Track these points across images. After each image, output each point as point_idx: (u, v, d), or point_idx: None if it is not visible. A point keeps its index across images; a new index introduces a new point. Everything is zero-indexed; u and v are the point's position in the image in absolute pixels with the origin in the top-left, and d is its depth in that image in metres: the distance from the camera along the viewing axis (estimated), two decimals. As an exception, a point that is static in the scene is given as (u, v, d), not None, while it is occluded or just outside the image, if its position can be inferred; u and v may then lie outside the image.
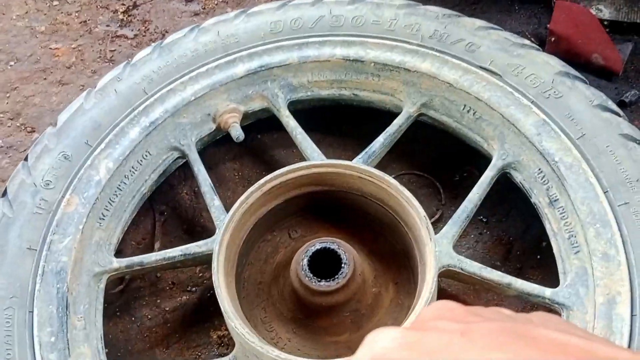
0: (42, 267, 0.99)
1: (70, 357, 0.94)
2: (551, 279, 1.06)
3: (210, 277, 1.15)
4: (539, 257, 1.16)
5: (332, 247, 1.05)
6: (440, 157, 1.29)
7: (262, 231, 1.13)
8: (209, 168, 1.18)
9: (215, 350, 1.10)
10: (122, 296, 1.16)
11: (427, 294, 0.95)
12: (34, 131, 1.37)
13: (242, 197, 1.06)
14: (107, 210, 1.09)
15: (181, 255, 1.07)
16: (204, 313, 1.13)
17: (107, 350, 0.99)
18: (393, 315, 1.08)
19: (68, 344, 0.94)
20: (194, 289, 1.17)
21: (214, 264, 0.99)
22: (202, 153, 1.19)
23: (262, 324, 1.08)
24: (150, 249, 1.20)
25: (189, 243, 1.07)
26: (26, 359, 0.92)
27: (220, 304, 0.97)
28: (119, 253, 1.12)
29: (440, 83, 1.17)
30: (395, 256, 1.13)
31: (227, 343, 1.10)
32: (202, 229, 1.23)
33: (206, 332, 1.12)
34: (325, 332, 1.06)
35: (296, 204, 1.14)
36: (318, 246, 1.05)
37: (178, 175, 1.27)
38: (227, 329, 1.10)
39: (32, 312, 0.95)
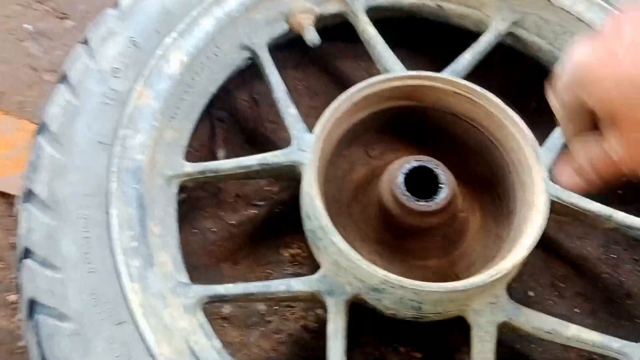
0: (117, 164, 0.87)
1: (154, 265, 0.83)
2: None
3: (278, 191, 1.07)
4: None
5: (430, 165, 0.97)
6: (516, 82, 1.22)
7: (341, 146, 1.04)
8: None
9: (288, 268, 1.02)
10: (182, 206, 1.05)
11: (540, 221, 0.89)
12: (67, 18, 1.21)
13: (333, 105, 0.95)
14: (178, 108, 0.97)
15: (258, 164, 0.97)
16: (273, 229, 1.04)
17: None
18: (482, 242, 1.02)
19: (150, 250, 0.84)
20: (260, 202, 1.07)
21: (310, 175, 0.89)
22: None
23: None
24: (209, 157, 1.09)
25: (251, 154, 0.96)
26: (106, 264, 0.81)
27: (314, 218, 0.88)
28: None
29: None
30: (481, 181, 1.06)
31: (301, 262, 1.02)
32: (264, 140, 1.13)
33: (276, 249, 1.03)
34: (412, 255, 0.99)
35: (377, 120, 1.04)
36: (414, 163, 0.96)
37: (236, 79, 1.15)
38: (299, 247, 1.02)
39: (110, 213, 0.84)
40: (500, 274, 0.85)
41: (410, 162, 0.97)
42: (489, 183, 1.05)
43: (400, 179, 0.95)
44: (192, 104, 0.99)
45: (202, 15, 1.02)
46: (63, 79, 0.93)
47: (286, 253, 1.03)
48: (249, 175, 0.98)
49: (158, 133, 0.92)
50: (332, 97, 0.94)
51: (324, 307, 0.88)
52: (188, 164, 0.95)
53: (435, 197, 0.95)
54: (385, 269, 0.99)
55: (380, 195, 0.97)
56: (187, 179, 0.94)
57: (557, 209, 0.99)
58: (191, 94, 0.99)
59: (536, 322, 0.89)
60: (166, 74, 0.96)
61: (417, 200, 0.94)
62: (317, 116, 0.92)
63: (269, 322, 0.98)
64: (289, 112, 1.01)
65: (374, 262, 0.98)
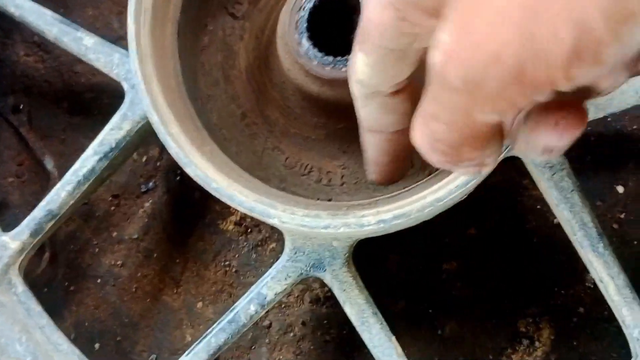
0: None
1: None
2: None
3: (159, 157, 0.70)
4: None
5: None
6: None
7: (192, 22, 0.64)
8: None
9: (244, 243, 0.68)
10: (54, 267, 0.69)
11: None
12: None
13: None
14: None
15: (101, 157, 0.59)
16: (192, 209, 0.69)
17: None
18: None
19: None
20: (150, 185, 0.70)
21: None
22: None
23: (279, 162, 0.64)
24: (40, 175, 0.70)
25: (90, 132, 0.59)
26: None
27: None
28: None
29: None
30: None
31: (255, 224, 0.68)
32: (89, 96, 0.73)
33: (213, 229, 0.69)
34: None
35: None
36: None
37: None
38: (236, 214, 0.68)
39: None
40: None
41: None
42: None
43: (299, 32, 0.57)
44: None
45: None
46: None
47: (229, 225, 0.69)
48: (99, 181, 0.61)
49: None
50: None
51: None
52: (7, 236, 0.58)
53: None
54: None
55: (285, 73, 0.60)
56: (21, 258, 0.58)
57: None
58: None
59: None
60: None
61: (334, 61, 0.56)
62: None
63: (270, 327, 0.67)
64: (85, 43, 0.61)
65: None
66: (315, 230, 0.51)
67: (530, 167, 0.57)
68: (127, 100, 0.60)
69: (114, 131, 0.60)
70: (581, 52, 0.28)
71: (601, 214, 0.65)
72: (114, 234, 0.69)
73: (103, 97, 0.70)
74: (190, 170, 0.52)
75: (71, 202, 0.60)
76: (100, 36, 0.62)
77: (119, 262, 0.69)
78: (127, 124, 0.60)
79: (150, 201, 0.69)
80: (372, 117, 0.45)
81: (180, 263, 0.69)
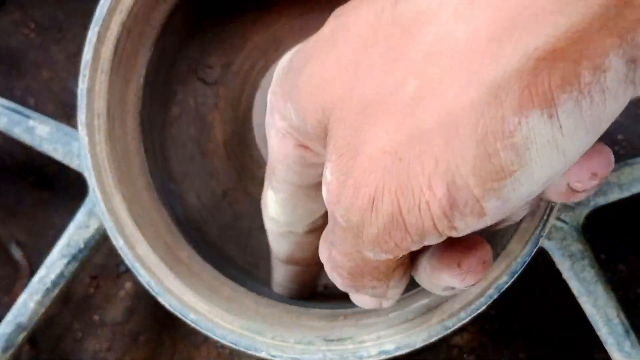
0: None
1: None
2: None
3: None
4: None
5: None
6: None
7: (158, 95, 0.56)
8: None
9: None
10: (36, 353, 0.64)
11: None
12: None
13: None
14: None
15: (73, 257, 0.54)
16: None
17: None
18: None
19: None
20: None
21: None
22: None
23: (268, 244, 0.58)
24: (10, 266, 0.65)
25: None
26: None
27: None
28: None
29: None
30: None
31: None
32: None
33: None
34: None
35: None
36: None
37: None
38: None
39: None
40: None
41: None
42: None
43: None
44: None
45: None
46: None
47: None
48: (71, 281, 0.56)
49: None
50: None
51: None
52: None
53: None
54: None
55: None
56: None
57: None
58: None
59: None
60: None
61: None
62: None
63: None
64: (39, 133, 0.54)
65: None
66: (308, 362, 0.45)
67: (549, 251, 0.51)
68: (91, 194, 0.53)
69: (81, 230, 0.54)
70: (459, 207, 0.26)
71: (625, 277, 0.59)
72: (96, 317, 0.64)
73: (70, 169, 0.64)
74: (164, 300, 0.46)
75: (41, 310, 0.54)
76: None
77: (104, 347, 0.64)
78: (94, 222, 0.53)
79: (132, 281, 0.64)
80: (284, 253, 0.43)
81: (170, 345, 0.64)
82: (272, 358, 0.45)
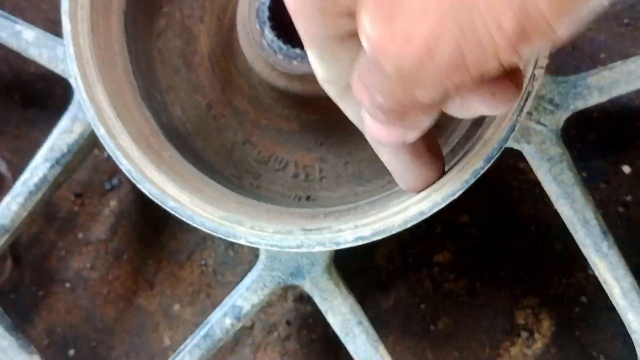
0: None
1: None
2: None
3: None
4: None
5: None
6: None
7: (144, 5, 0.56)
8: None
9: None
10: (19, 272, 0.65)
11: None
12: None
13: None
14: None
15: (56, 161, 0.54)
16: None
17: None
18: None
19: None
20: (114, 180, 0.65)
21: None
22: None
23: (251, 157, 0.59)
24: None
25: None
26: None
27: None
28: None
29: None
30: None
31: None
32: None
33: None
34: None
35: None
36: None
37: None
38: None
39: None
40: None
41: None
42: None
43: (261, 21, 0.50)
44: None
45: None
46: None
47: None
48: (55, 187, 0.56)
49: None
50: None
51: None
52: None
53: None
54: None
55: (246, 59, 0.54)
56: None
57: None
58: None
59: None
60: None
61: (302, 53, 0.50)
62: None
63: (253, 327, 0.63)
64: (25, 37, 0.54)
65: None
66: (287, 250, 0.46)
67: (528, 156, 0.51)
68: (76, 98, 0.53)
69: (65, 135, 0.54)
70: (529, 34, 0.25)
71: (605, 196, 0.60)
72: (80, 235, 0.64)
73: (56, 87, 0.64)
74: (144, 188, 0.47)
75: (24, 214, 0.55)
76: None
77: (87, 265, 0.64)
78: (78, 126, 0.54)
79: (117, 199, 0.64)
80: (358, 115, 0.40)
81: (153, 264, 0.64)
82: (250, 244, 0.45)
